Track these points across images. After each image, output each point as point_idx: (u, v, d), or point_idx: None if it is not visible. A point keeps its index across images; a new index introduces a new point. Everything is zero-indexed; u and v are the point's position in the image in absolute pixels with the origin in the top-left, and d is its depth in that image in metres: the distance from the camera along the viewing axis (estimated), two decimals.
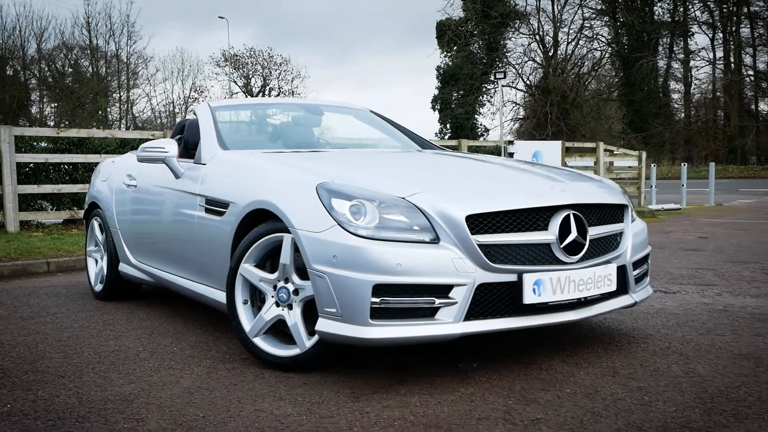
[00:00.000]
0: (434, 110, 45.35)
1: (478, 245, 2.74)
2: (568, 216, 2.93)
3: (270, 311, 3.08)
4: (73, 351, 3.48)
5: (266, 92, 46.20)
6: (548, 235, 2.88)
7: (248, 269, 3.15)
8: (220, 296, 3.36)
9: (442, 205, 2.79)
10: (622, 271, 3.22)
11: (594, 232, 3.05)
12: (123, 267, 4.70)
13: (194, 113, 4.36)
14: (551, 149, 16.16)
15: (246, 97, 45.10)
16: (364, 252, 2.69)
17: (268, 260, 3.15)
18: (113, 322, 4.20)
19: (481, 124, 44.86)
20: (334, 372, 3.00)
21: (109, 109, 42.46)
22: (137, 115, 44.70)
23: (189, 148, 4.07)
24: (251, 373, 3.04)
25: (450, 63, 43.72)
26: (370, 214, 2.78)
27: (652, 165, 16.48)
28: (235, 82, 45.27)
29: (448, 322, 2.72)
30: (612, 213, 3.23)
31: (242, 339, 3.17)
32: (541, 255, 2.88)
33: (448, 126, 44.38)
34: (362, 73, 66.95)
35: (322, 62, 66.30)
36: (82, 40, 40.61)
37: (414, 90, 71.13)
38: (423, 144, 4.69)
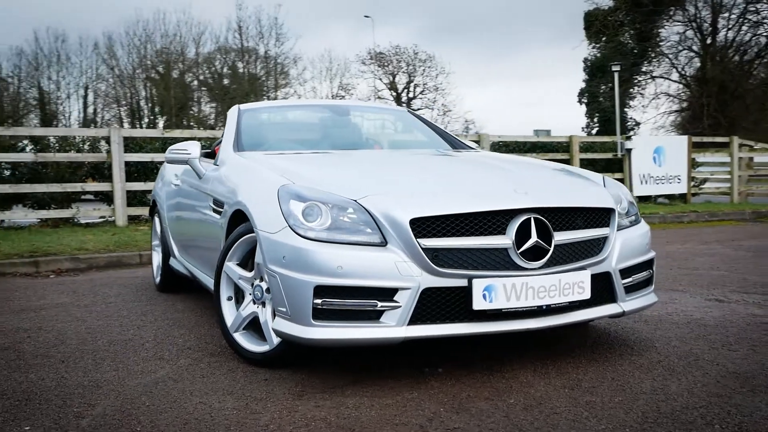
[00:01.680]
0: (581, 104, 43.86)
1: (423, 249, 2.71)
2: (528, 220, 2.82)
3: (247, 308, 3.20)
4: (92, 338, 3.79)
5: (411, 89, 46.60)
6: (505, 240, 2.79)
7: (231, 267, 3.29)
8: None
9: (390, 208, 2.78)
10: (605, 278, 3.06)
11: (563, 237, 2.91)
12: (172, 261, 5.02)
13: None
14: (676, 145, 15.28)
15: (391, 94, 45.91)
16: (308, 254, 2.74)
17: (250, 259, 3.27)
18: (148, 312, 4.50)
19: (631, 118, 42.82)
20: (302, 369, 3.07)
21: None
22: None
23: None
24: (226, 367, 3.18)
25: (598, 54, 42.06)
26: (323, 216, 2.83)
27: None
28: (380, 80, 46.06)
29: (392, 326, 2.72)
30: (591, 217, 3.06)
31: (224, 334, 3.32)
32: (499, 260, 2.79)
33: (595, 120, 42.79)
34: (512, 68, 65.96)
35: (479, 58, 65.74)
36: (234, 43, 42.82)
37: (558, 83, 69.24)
38: (454, 144, 4.63)
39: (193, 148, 4.15)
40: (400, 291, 2.71)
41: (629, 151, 14.34)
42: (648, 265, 3.32)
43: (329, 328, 2.73)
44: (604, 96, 42.07)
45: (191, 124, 40.17)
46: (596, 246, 3.04)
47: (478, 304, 2.73)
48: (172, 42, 41.50)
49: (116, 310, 4.60)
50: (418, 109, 46.75)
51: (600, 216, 3.09)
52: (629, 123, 42.48)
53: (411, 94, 46.82)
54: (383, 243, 2.76)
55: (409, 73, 46.50)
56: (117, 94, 42.69)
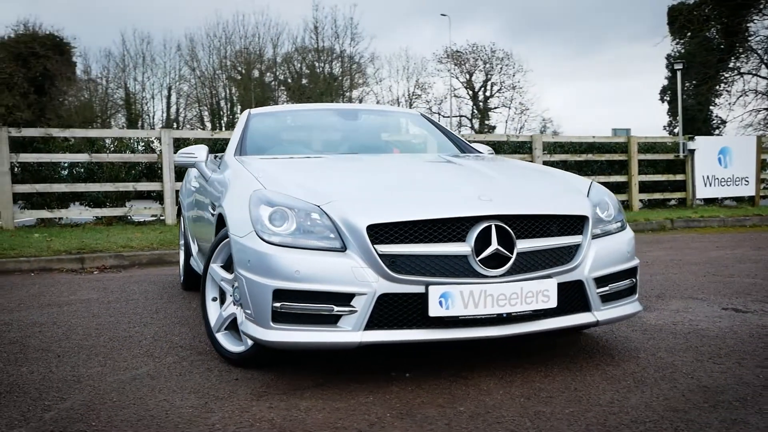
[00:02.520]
0: (662, 102, 42.57)
1: (380, 255, 2.74)
2: (488, 228, 2.80)
3: (228, 308, 3.30)
4: (96, 334, 3.97)
5: (488, 87, 46.27)
6: (464, 247, 2.79)
7: (215, 269, 3.39)
8: None
9: (349, 214, 2.81)
10: (576, 287, 3.01)
11: (528, 245, 2.88)
12: (191, 260, 5.19)
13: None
14: (744, 145, 14.71)
15: (468, 92, 45.73)
16: (268, 258, 2.82)
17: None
18: (161, 310, 4.68)
19: (716, 116, 41.27)
20: (274, 370, 3.15)
21: None
22: None
23: None
24: (205, 366, 3.28)
25: (682, 50, 40.68)
26: (289, 221, 2.89)
27: None
28: (457, 78, 45.92)
29: (348, 330, 2.75)
30: (563, 225, 3.01)
31: (208, 333, 3.42)
32: (459, 268, 2.79)
33: (678, 118, 41.45)
34: (594, 65, 64.57)
35: (562, 55, 64.58)
36: (311, 43, 43.44)
37: (642, 81, 67.29)
38: (463, 148, 4.61)
39: (200, 152, 4.30)
40: (357, 296, 2.74)
41: (692, 152, 13.86)
42: (630, 273, 3.24)
43: (287, 331, 2.79)
44: (688, 93, 40.67)
45: None
46: (567, 254, 2.99)
47: (435, 310, 2.74)
48: (251, 43, 42.44)
49: (133, 308, 4.79)
50: (495, 108, 46.34)
51: (572, 224, 3.04)
52: (714, 121, 40.94)
53: (488, 93, 46.53)
54: (343, 248, 2.80)
55: (486, 71, 46.16)
56: (198, 94, 44.07)
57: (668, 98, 41.91)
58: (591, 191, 3.34)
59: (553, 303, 2.88)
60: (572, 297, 3.00)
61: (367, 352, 3.36)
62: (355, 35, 43.16)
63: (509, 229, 2.83)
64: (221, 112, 44.02)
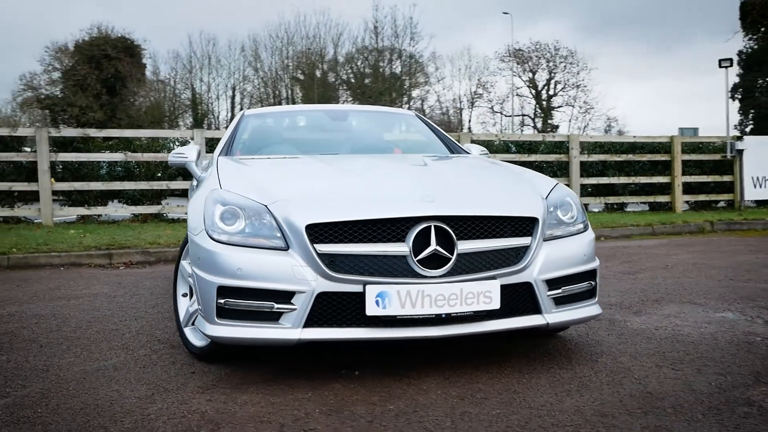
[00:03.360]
0: (734, 100, 41.12)
1: (319, 254, 2.79)
2: (427, 228, 2.82)
3: (194, 304, 3.40)
4: (86, 327, 4.14)
5: (551, 86, 45.67)
6: (403, 248, 2.82)
7: (184, 265, 3.51)
8: None
9: (291, 213, 2.88)
10: (524, 289, 2.99)
11: (470, 246, 2.88)
12: None
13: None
14: None
15: (530, 91, 45.24)
16: (214, 256, 2.91)
17: None
18: (159, 305, 4.84)
19: None
20: (235, 364, 3.24)
21: (405, 107, 44.78)
22: (427, 111, 46.90)
23: None
24: (171, 360, 3.40)
25: (755, 47, 39.24)
26: (240, 220, 2.97)
27: None
28: (519, 77, 45.46)
29: (288, 327, 2.82)
30: (510, 226, 3.00)
31: (178, 328, 3.54)
32: (398, 268, 2.82)
33: (750, 116, 40.01)
34: (663, 63, 62.89)
35: (629, 53, 63.14)
36: (371, 43, 43.65)
37: (713, 78, 65.19)
38: (452, 149, 4.61)
39: (191, 152, 4.43)
40: (297, 294, 2.80)
41: (740, 152, 13.40)
42: (588, 276, 3.20)
43: (231, 326, 2.88)
44: (761, 91, 39.22)
45: None
46: (514, 255, 2.98)
47: (371, 310, 2.77)
48: (312, 43, 42.90)
49: (134, 302, 4.97)
50: (558, 107, 45.63)
51: (522, 225, 3.02)
52: None
53: (551, 91, 45.91)
54: (286, 248, 2.86)
55: (549, 69, 45.51)
56: (261, 94, 44.84)
57: (740, 96, 40.43)
58: (552, 193, 3.31)
59: (495, 304, 2.88)
60: (519, 299, 2.99)
61: (329, 349, 3.42)
62: (414, 34, 43.08)
63: (449, 229, 2.84)
64: None
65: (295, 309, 2.81)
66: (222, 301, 2.87)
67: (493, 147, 12.97)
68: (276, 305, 2.81)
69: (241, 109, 45.23)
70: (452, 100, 46.83)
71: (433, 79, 45.68)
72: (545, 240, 3.11)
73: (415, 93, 44.87)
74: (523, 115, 45.95)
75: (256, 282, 2.83)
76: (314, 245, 2.80)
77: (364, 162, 3.91)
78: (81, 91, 36.61)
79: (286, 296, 2.81)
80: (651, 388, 2.83)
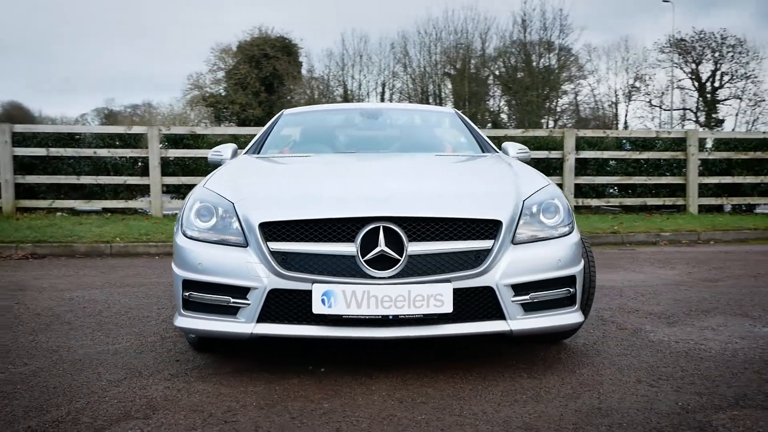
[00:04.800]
0: None
1: (271, 252, 2.86)
2: (376, 229, 2.81)
3: None
4: (124, 313, 4.46)
5: (717, 78, 42.92)
6: (352, 248, 2.83)
7: None
8: None
9: (249, 211, 2.96)
10: (487, 293, 2.90)
11: (422, 247, 2.83)
12: None
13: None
14: None
15: (693, 83, 42.83)
16: (182, 251, 3.06)
17: None
18: None
19: None
20: (219, 354, 3.40)
21: (556, 101, 43.63)
22: (581, 106, 45.56)
23: None
24: (167, 347, 3.60)
25: None
26: (213, 216, 3.11)
27: None
28: (681, 69, 43.06)
29: (242, 322, 2.91)
30: (473, 228, 2.91)
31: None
32: (346, 268, 2.83)
33: None
34: None
35: None
36: (518, 37, 42.88)
37: None
38: (485, 149, 4.52)
39: (227, 151, 4.64)
40: (252, 290, 2.89)
41: None
42: (564, 282, 3.04)
43: (194, 318, 3.01)
44: None
45: (486, 117, 40.90)
46: (473, 259, 2.89)
47: (318, 308, 2.81)
48: (460, 38, 42.75)
49: (155, 291, 5.27)
50: (724, 100, 42.69)
51: (483, 228, 2.93)
52: None
53: (717, 83, 43.09)
54: (245, 245, 2.96)
55: (715, 60, 42.70)
56: (409, 91, 45.37)
57: None
58: (537, 194, 3.18)
59: (447, 308, 2.82)
60: (478, 303, 2.90)
61: (326, 345, 3.48)
62: (564, 27, 41.71)
63: (399, 231, 2.82)
64: None
65: (249, 304, 2.89)
66: (186, 294, 3.01)
67: (603, 144, 12.44)
68: (232, 300, 2.91)
69: None
70: (606, 94, 44.89)
71: (587, 72, 44.07)
72: (518, 243, 2.99)
73: (567, 87, 43.50)
74: (684, 109, 43.33)
75: (214, 277, 2.94)
76: (267, 243, 2.87)
77: (366, 162, 3.94)
78: (241, 89, 38.65)
79: (241, 292, 2.90)
80: (606, 405, 2.66)
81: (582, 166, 11.97)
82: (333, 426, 2.46)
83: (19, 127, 10.69)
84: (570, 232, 3.15)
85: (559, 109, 43.53)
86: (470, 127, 4.83)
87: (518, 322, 2.94)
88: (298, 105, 41.42)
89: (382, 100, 44.41)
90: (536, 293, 2.97)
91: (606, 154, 11.91)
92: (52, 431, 2.44)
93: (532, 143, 12.04)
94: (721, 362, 3.24)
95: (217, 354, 3.42)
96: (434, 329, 2.86)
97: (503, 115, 42.98)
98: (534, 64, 42.67)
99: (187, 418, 2.55)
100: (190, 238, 3.08)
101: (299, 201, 3.01)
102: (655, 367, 3.17)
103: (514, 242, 2.98)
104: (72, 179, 10.60)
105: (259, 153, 4.43)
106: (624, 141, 12.65)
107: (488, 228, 2.93)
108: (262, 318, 2.90)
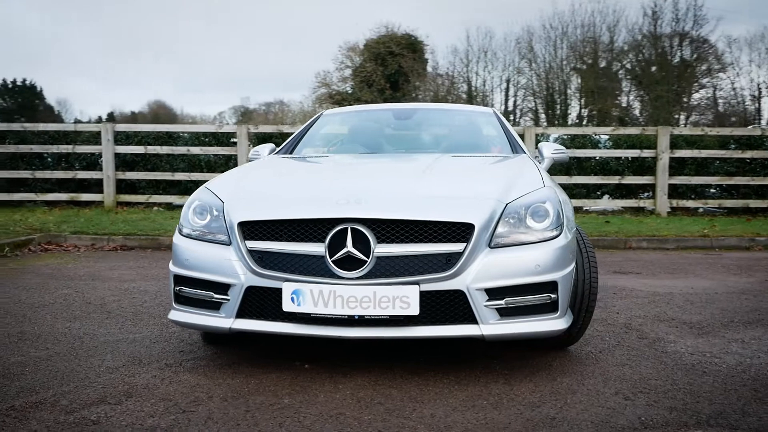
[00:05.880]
0: None
1: (249, 250, 2.98)
2: (344, 230, 2.86)
3: None
4: (160, 305, 4.73)
5: None
6: (321, 248, 2.89)
7: None
8: None
9: (232, 210, 3.09)
10: (457, 297, 2.89)
11: (389, 249, 2.85)
12: None
13: None
14: None
15: None
16: (175, 247, 3.24)
17: None
18: None
19: None
20: (221, 347, 3.56)
21: (689, 96, 41.66)
22: (722, 101, 43.28)
23: None
24: (181, 338, 3.80)
25: None
26: (207, 215, 3.27)
27: None
28: None
29: (223, 317, 3.05)
30: (440, 231, 2.89)
31: None
32: (316, 267, 2.90)
33: None
34: None
35: None
36: (649, 30, 41.15)
37: None
38: (516, 149, 4.46)
39: (264, 150, 4.82)
40: (232, 287, 3.02)
41: None
42: (544, 287, 2.96)
43: (182, 312, 3.18)
44: None
45: (613, 113, 39.59)
46: (443, 262, 2.88)
47: (287, 306, 2.89)
48: (587, 32, 41.54)
49: (148, 287, 5.47)
50: None
51: (456, 231, 2.91)
52: None
53: None
54: (229, 243, 3.09)
55: None
56: (533, 87, 44.64)
57: None
58: (524, 198, 3.11)
59: (414, 310, 2.82)
60: (449, 307, 2.88)
61: (311, 340, 3.57)
62: (698, 18, 39.51)
63: (366, 232, 2.85)
64: (555, 105, 43.61)
65: (229, 300, 3.02)
66: (177, 288, 3.18)
67: (703, 142, 11.77)
68: (215, 295, 3.05)
69: (515, 101, 45.29)
70: (749, 88, 42.17)
71: (726, 65, 41.56)
72: (496, 247, 2.95)
73: (705, 80, 41.21)
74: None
75: (199, 273, 3.09)
76: (245, 241, 2.99)
77: (378, 163, 4.00)
78: (367, 87, 39.36)
79: (223, 288, 3.04)
80: (562, 415, 2.59)
81: (680, 166, 11.39)
82: (277, 421, 2.54)
83: (121, 127, 11.45)
84: (557, 236, 3.07)
85: (694, 103, 41.12)
86: (505, 127, 4.76)
87: (491, 326, 2.90)
88: (423, 101, 41.58)
89: (506, 96, 43.69)
90: (511, 298, 2.92)
91: (704, 153, 11.27)
92: (30, 411, 2.66)
93: (625, 142, 11.59)
94: (722, 378, 3.06)
95: (221, 346, 3.58)
96: (402, 331, 2.88)
97: (635, 111, 41.11)
98: (669, 57, 40.54)
99: (153, 406, 2.71)
100: (186, 236, 3.24)
101: (278, 201, 3.11)
102: (645, 379, 3.03)
103: (491, 245, 2.94)
104: (167, 175, 11.24)
105: (291, 153, 4.57)
106: (730, 139, 11.91)
107: (460, 231, 2.91)
108: (240, 314, 3.01)
